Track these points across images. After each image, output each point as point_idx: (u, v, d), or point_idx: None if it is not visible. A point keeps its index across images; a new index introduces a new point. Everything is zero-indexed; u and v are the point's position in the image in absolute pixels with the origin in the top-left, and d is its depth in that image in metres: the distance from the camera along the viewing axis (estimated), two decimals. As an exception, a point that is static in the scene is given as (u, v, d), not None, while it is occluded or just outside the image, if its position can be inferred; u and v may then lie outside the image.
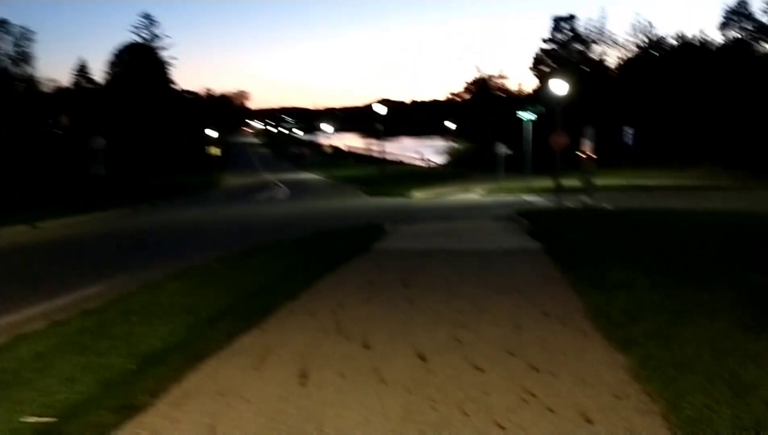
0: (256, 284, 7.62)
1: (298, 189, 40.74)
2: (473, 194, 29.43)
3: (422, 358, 4.72)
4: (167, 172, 60.27)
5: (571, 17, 60.81)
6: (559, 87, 26.33)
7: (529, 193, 27.60)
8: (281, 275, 8.21)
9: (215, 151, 58.42)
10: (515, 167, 34.48)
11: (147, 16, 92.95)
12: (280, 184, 45.22)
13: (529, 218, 14.98)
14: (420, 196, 29.93)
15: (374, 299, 6.82)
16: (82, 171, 32.66)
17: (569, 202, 17.92)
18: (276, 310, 6.36)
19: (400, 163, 77.65)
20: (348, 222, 16.50)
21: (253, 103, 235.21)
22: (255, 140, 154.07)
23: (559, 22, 61.43)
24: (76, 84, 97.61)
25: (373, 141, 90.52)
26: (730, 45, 43.07)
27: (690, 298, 6.00)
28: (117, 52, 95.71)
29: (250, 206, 28.21)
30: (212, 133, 61.30)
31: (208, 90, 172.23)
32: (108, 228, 19.71)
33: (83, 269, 10.83)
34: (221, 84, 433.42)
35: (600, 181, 22.79)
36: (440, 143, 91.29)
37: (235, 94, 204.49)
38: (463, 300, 6.62)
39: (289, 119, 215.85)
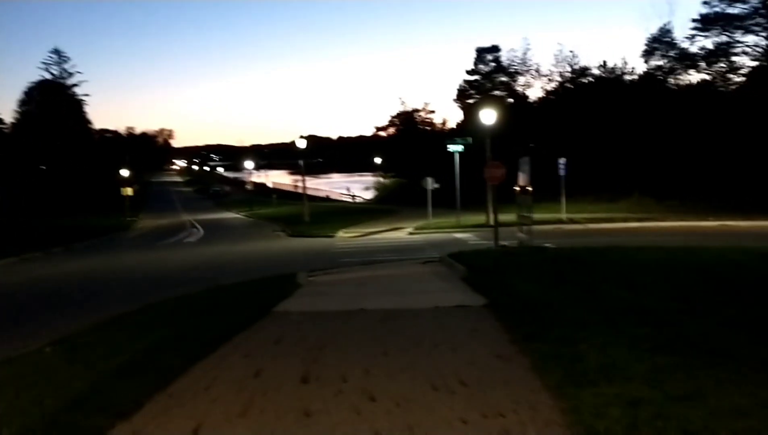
0: (85, 386, 5.22)
1: (213, 230, 37.75)
2: (402, 232, 27.51)
3: None
4: (77, 215, 55.93)
5: (494, 48, 60.76)
6: (488, 117, 24.99)
7: (460, 230, 25.94)
8: (132, 365, 5.84)
9: (129, 191, 54.53)
10: (444, 201, 32.87)
11: (57, 52, 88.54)
12: (196, 226, 42.09)
13: (463, 261, 13.07)
14: (345, 235, 27.73)
15: (254, 411, 4.56)
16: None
17: (505, 241, 16.15)
18: (92, 442, 4.04)
19: (327, 199, 75.53)
20: (257, 271, 14.30)
21: (177, 141, 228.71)
22: (178, 178, 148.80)
23: (482, 53, 61.23)
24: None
25: (300, 177, 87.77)
26: (653, 73, 43.35)
27: (718, 399, 4.05)
28: (27, 90, 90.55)
29: (154, 252, 25.21)
30: (127, 173, 57.55)
31: (129, 129, 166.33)
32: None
33: None
34: (144, 123, 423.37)
35: (536, 215, 21.31)
36: (369, 178, 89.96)
37: (157, 132, 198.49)
38: (385, 407, 4.47)
39: (213, 157, 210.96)
